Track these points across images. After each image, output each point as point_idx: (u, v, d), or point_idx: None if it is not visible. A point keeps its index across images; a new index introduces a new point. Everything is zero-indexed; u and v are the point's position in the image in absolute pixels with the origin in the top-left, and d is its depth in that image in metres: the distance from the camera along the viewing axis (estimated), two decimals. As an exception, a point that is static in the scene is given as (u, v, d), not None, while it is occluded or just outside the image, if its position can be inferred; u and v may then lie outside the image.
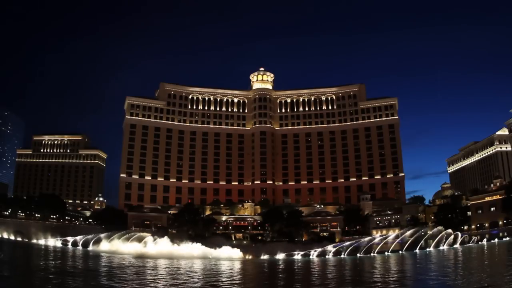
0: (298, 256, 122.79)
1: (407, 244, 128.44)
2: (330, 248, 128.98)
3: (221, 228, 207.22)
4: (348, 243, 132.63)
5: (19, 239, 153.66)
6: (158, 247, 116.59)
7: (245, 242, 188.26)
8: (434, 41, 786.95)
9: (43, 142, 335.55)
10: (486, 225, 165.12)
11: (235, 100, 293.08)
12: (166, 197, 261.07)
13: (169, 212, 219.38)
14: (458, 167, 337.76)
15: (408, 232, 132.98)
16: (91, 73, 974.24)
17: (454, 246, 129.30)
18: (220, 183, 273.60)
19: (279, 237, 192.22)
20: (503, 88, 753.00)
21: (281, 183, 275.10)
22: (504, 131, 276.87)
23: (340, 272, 68.58)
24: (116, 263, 75.25)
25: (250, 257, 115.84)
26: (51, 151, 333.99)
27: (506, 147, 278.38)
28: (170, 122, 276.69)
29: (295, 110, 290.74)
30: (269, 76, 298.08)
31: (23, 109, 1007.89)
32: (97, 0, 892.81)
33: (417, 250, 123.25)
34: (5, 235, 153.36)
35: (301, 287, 50.52)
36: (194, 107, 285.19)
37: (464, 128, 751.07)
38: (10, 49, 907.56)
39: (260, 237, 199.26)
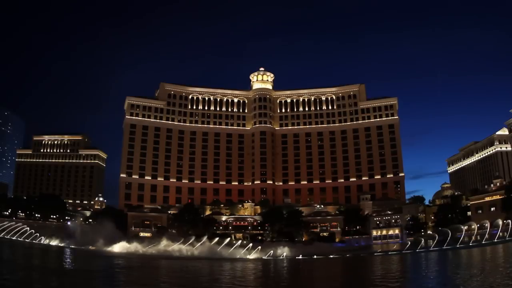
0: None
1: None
2: None
3: (221, 228, 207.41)
4: None
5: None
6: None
7: (245, 242, 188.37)
8: (434, 41, 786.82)
9: (43, 142, 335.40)
10: (486, 225, 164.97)
11: (235, 100, 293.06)
12: (166, 197, 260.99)
13: (169, 212, 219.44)
14: (458, 167, 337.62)
15: None
16: (91, 73, 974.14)
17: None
18: (220, 183, 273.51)
19: (279, 237, 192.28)
20: (503, 88, 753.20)
21: (281, 183, 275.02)
22: (504, 131, 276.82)
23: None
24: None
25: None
26: (51, 151, 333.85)
27: (506, 147, 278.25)
28: (170, 122, 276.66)
29: (295, 110, 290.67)
30: (269, 76, 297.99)
31: (23, 109, 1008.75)
32: (97, 1, 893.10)
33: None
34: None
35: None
36: (194, 107, 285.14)
37: (464, 128, 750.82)
38: (10, 50, 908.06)
39: (260, 237, 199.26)
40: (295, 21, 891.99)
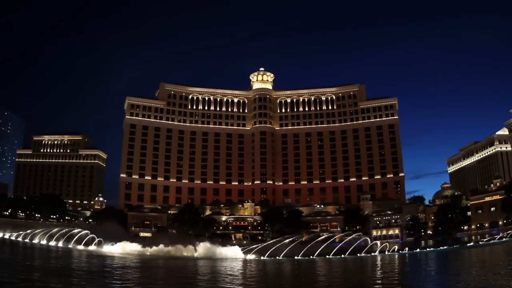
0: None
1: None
2: None
3: (221, 228, 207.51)
4: None
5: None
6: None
7: (245, 242, 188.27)
8: (434, 41, 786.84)
9: (43, 142, 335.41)
10: (486, 225, 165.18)
11: (235, 100, 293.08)
12: (166, 197, 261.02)
13: (169, 212, 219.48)
14: (458, 167, 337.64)
15: None
16: (91, 73, 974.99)
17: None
18: (220, 183, 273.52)
19: (279, 237, 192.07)
20: (503, 88, 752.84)
21: (281, 183, 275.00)
22: (504, 131, 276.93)
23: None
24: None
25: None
26: (51, 151, 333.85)
27: (506, 147, 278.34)
28: (170, 122, 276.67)
29: (295, 110, 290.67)
30: (269, 76, 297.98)
31: (23, 109, 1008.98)
32: (97, 1, 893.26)
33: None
34: None
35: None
36: (194, 107, 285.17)
37: (464, 128, 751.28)
38: (10, 50, 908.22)
39: (260, 237, 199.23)
40: (295, 21, 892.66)
